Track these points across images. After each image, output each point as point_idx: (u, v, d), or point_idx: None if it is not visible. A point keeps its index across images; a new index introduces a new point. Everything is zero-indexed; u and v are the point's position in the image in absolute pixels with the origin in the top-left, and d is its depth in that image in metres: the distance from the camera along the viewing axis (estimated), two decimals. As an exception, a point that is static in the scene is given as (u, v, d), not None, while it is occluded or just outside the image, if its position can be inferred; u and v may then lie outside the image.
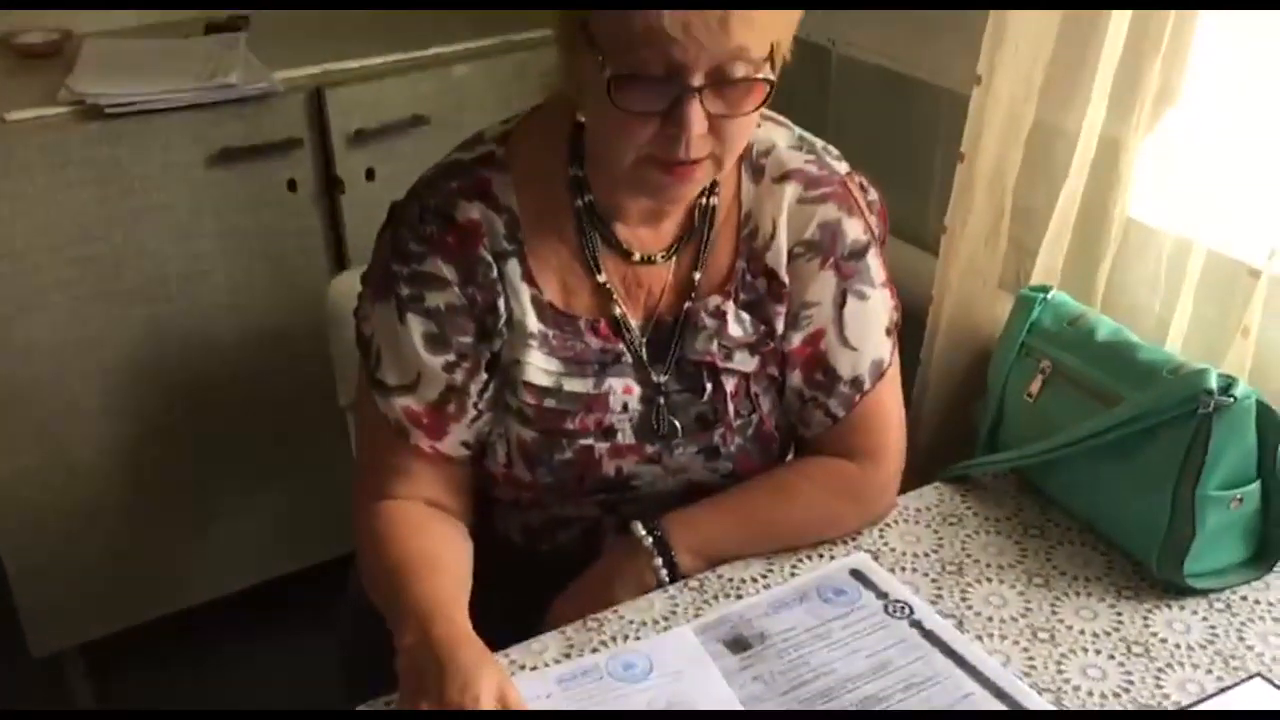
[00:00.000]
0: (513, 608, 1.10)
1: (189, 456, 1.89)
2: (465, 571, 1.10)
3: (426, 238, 1.09)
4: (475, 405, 1.12)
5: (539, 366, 1.11)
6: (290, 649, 1.96)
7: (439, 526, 1.13)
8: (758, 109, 1.00)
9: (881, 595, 1.11)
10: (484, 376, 1.12)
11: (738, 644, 1.06)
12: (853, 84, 1.76)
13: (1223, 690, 1.01)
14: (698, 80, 0.95)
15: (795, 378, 1.16)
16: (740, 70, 0.96)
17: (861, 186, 1.18)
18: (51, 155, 1.63)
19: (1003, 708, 0.99)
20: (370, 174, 1.83)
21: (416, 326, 1.10)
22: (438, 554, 1.10)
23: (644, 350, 1.13)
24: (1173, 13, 1.22)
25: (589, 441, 1.13)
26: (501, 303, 1.10)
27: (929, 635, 1.06)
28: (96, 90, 1.65)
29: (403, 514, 1.13)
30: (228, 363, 1.84)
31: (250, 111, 1.72)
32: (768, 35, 0.96)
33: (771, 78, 0.98)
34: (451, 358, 1.10)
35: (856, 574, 1.14)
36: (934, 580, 1.14)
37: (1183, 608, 1.11)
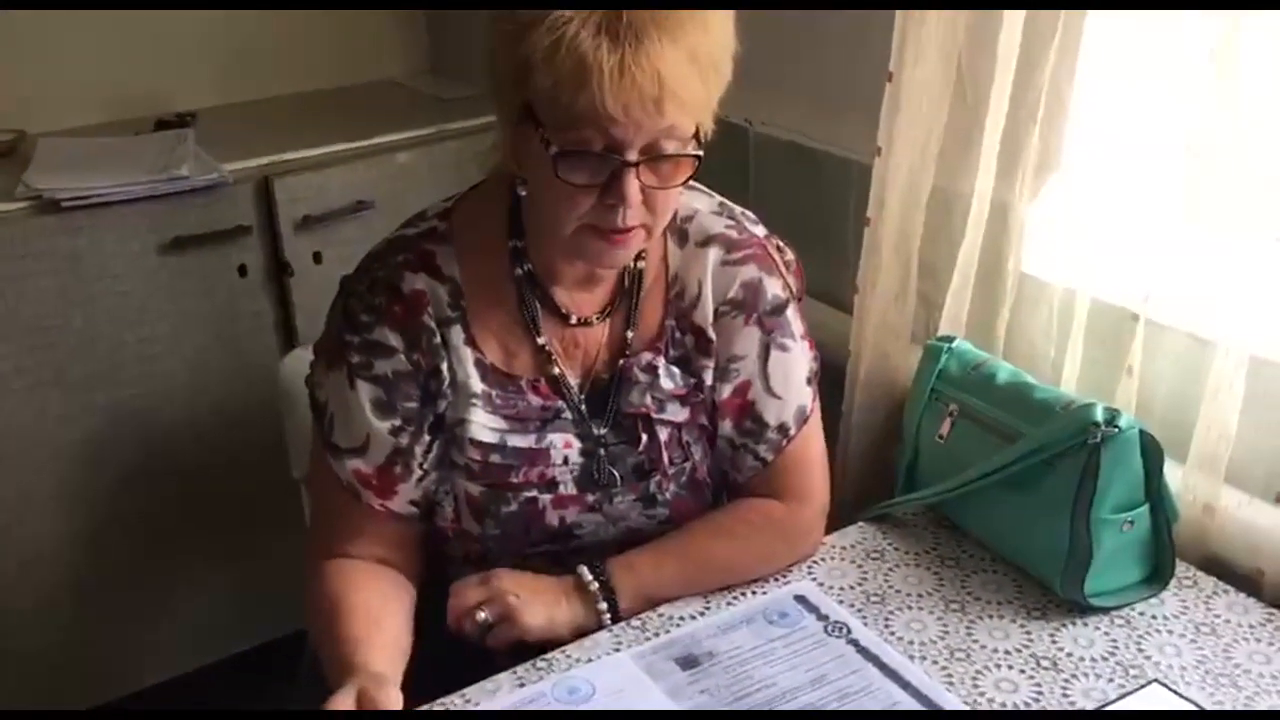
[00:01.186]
0: (467, 659, 1.16)
1: (144, 538, 1.93)
2: (403, 627, 1.17)
3: (375, 308, 1.18)
4: (420, 465, 1.20)
5: (483, 424, 1.19)
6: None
7: (383, 584, 1.20)
8: (686, 181, 1.10)
9: (822, 618, 1.20)
10: (428, 438, 1.19)
11: (688, 661, 1.15)
12: (770, 159, 1.88)
13: (1124, 695, 1.11)
14: (633, 156, 1.05)
15: (726, 426, 1.25)
16: (671, 146, 1.06)
17: (778, 248, 1.29)
18: (10, 247, 1.70)
19: (924, 712, 1.07)
20: (317, 257, 1.92)
21: (365, 392, 1.18)
22: (379, 613, 1.16)
23: (584, 406, 1.22)
24: (1046, 86, 1.35)
25: (533, 494, 1.21)
26: (445, 366, 1.18)
27: (864, 652, 1.15)
28: (53, 185, 1.73)
29: (350, 572, 1.19)
30: (182, 444, 1.90)
31: (201, 201, 1.81)
32: (694, 116, 1.06)
33: (699, 154, 1.09)
34: (397, 422, 1.18)
35: (800, 599, 1.23)
36: (859, 610, 1.23)
37: (1086, 624, 1.21)
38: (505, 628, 1.15)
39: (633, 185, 1.06)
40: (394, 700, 1.00)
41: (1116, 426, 1.19)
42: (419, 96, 2.26)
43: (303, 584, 1.87)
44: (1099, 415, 1.20)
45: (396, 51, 2.39)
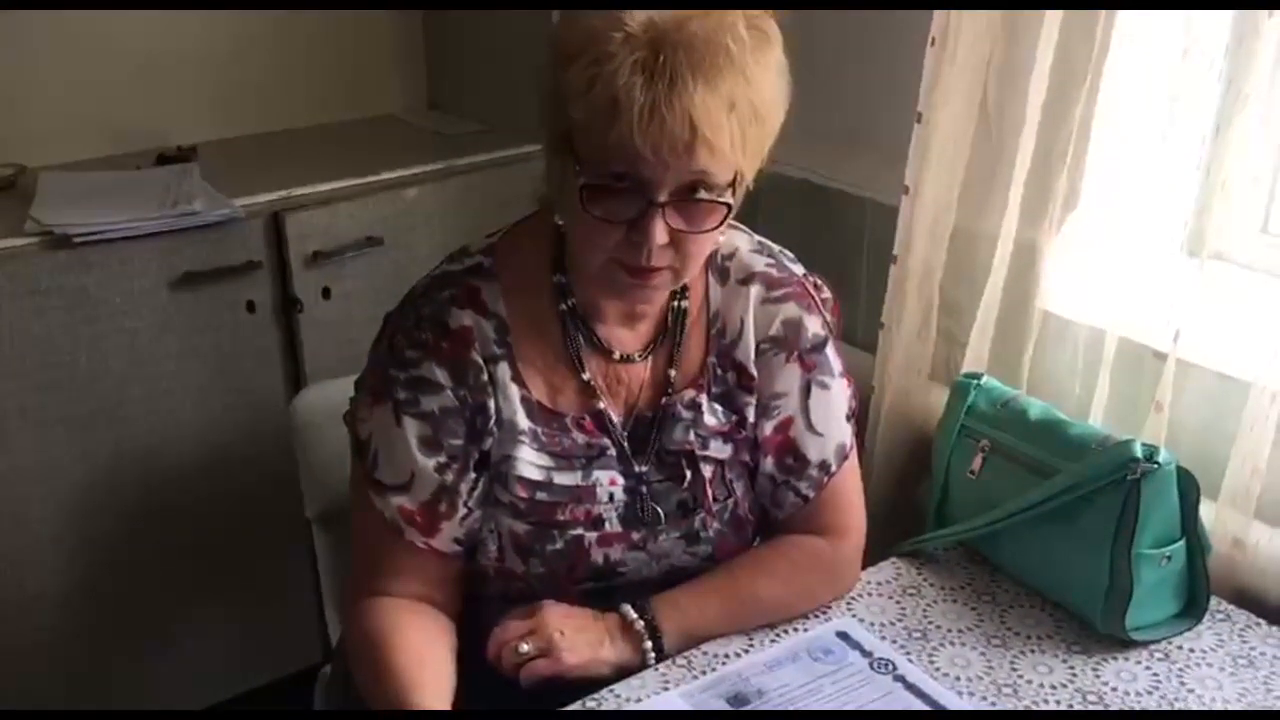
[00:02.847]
0: (501, 701, 1.15)
1: (151, 578, 1.89)
2: (449, 668, 1.16)
3: (422, 344, 1.17)
4: (465, 503, 1.19)
5: (530, 461, 1.19)
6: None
7: (427, 622, 1.18)
8: (716, 229, 1.10)
9: (866, 654, 1.21)
10: (473, 475, 1.19)
11: (738, 699, 1.14)
12: (780, 197, 1.90)
13: (1173, 729, 1.12)
14: (662, 196, 1.05)
15: (768, 463, 1.26)
16: (702, 192, 1.07)
17: (816, 285, 1.30)
18: (20, 284, 1.66)
19: (983, 753, 1.08)
20: (326, 293, 1.90)
21: (412, 429, 1.17)
22: (425, 652, 1.15)
23: (626, 443, 1.22)
24: (1076, 126, 1.38)
25: (579, 531, 1.20)
26: (491, 403, 1.18)
27: (912, 688, 1.16)
28: (63, 221, 1.70)
29: (393, 611, 1.18)
30: (188, 482, 1.87)
31: (213, 237, 1.79)
32: (730, 164, 1.07)
33: (730, 202, 1.09)
34: (443, 459, 1.17)
35: (843, 635, 1.23)
36: (902, 646, 1.23)
37: (1127, 659, 1.22)
38: (544, 663, 1.13)
39: (658, 226, 1.06)
40: None
41: (1156, 463, 1.21)
42: (421, 132, 2.25)
43: (316, 624, 1.85)
44: (1138, 451, 1.21)
45: (395, 87, 2.38)
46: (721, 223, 1.10)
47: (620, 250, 1.09)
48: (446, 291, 1.19)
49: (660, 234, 1.06)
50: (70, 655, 1.86)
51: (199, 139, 2.13)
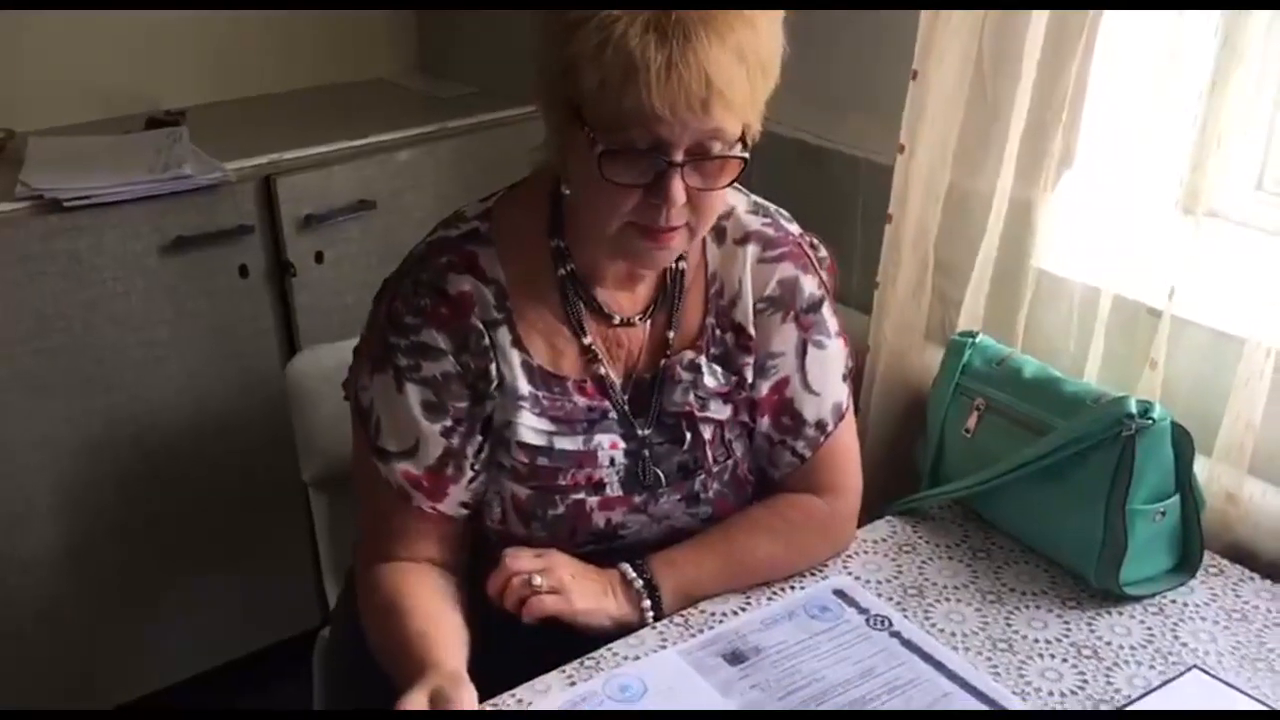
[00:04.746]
0: (509, 665, 1.14)
1: (146, 543, 1.90)
2: (463, 626, 1.16)
3: (421, 310, 1.17)
4: (472, 466, 1.19)
5: (531, 426, 1.19)
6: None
7: (438, 583, 1.19)
8: (732, 183, 1.10)
9: (863, 611, 1.21)
10: (479, 439, 1.19)
11: (735, 657, 1.15)
12: (774, 156, 1.89)
13: (1166, 682, 1.13)
14: (679, 156, 1.05)
15: (764, 423, 1.26)
16: (717, 148, 1.06)
17: (812, 245, 1.29)
18: (11, 249, 1.66)
19: (980, 705, 1.09)
20: (319, 257, 1.89)
21: (414, 395, 1.17)
22: (439, 612, 1.16)
23: (627, 406, 1.22)
24: (1071, 84, 1.38)
25: (580, 496, 1.20)
26: (493, 368, 1.17)
27: (908, 644, 1.17)
28: (53, 185, 1.69)
29: (404, 573, 1.18)
30: (184, 447, 1.87)
31: (203, 201, 1.78)
32: (741, 117, 1.07)
33: (745, 156, 1.09)
34: (448, 423, 1.17)
35: (840, 593, 1.24)
36: (898, 603, 1.24)
37: (1121, 613, 1.23)
38: (553, 600, 1.14)
39: (678, 185, 1.06)
40: (469, 699, 1.00)
41: (1150, 419, 1.21)
42: (412, 95, 2.24)
43: (314, 587, 1.86)
44: (1133, 407, 1.22)
45: (385, 50, 2.36)
46: (738, 176, 1.10)
47: (637, 213, 1.08)
48: (444, 257, 1.19)
49: (680, 193, 1.06)
50: (65, 621, 1.86)
51: (188, 103, 2.12)
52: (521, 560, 1.16)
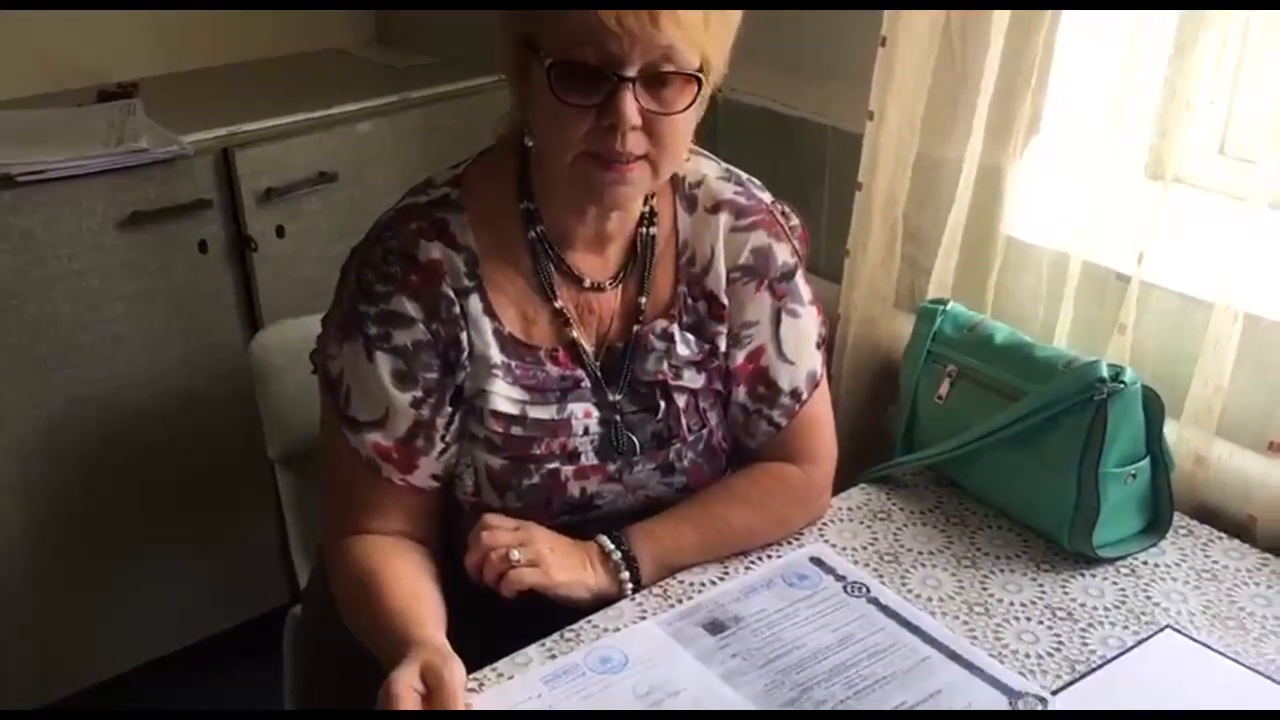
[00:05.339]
0: (487, 640, 1.13)
1: (108, 525, 1.86)
2: (439, 598, 1.15)
3: (391, 277, 1.15)
4: (443, 438, 1.18)
5: (504, 395, 1.18)
6: (232, 704, 1.96)
7: (412, 557, 1.18)
8: (689, 107, 1.09)
9: (840, 578, 1.22)
10: (449, 410, 1.18)
11: (715, 626, 1.15)
12: (740, 126, 1.89)
13: (1140, 642, 1.14)
14: (631, 72, 1.04)
15: (740, 393, 1.26)
16: (670, 67, 1.05)
17: (784, 213, 1.29)
18: (-37, 226, 1.62)
19: (957, 668, 1.10)
20: (280, 231, 1.86)
21: (385, 364, 1.15)
22: (414, 585, 1.14)
23: (599, 373, 1.21)
24: (1039, 50, 1.38)
25: (555, 465, 1.20)
26: (464, 336, 1.16)
27: (886, 610, 1.17)
28: (5, 160, 1.65)
29: (376, 547, 1.17)
30: (145, 426, 1.84)
31: (160, 175, 1.74)
32: (695, 42, 1.05)
33: (700, 75, 1.07)
34: (419, 394, 1.16)
35: (817, 561, 1.24)
36: (875, 570, 1.24)
37: (1094, 575, 1.24)
38: (532, 572, 1.13)
39: (629, 103, 1.05)
40: (459, 672, 0.99)
41: (1122, 382, 1.22)
42: (371, 65, 2.21)
43: (281, 565, 1.84)
44: (1105, 372, 1.23)
45: (343, 20, 2.32)
46: (694, 100, 1.08)
47: (593, 140, 1.07)
48: (414, 224, 1.17)
49: (632, 112, 1.05)
50: (24, 605, 1.83)
51: (139, 74, 2.07)
52: (499, 534, 1.14)
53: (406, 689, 0.98)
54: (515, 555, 1.13)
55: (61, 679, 1.90)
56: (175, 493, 1.91)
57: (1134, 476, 1.26)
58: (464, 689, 1.00)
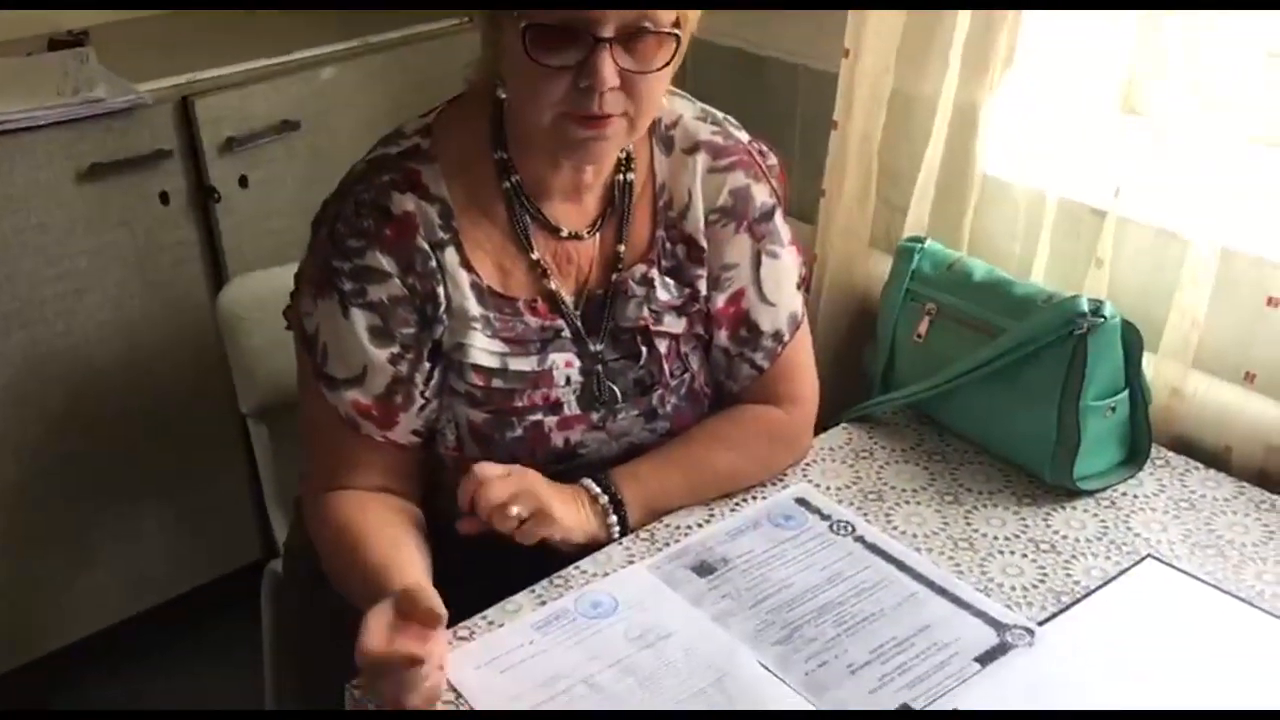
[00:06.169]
0: (475, 591, 1.12)
1: (77, 483, 1.83)
2: (424, 551, 1.14)
3: (364, 232, 1.13)
4: (422, 394, 1.16)
5: (483, 349, 1.16)
6: (207, 661, 1.95)
7: (393, 511, 1.16)
8: (666, 65, 1.07)
9: (825, 518, 1.22)
10: (428, 365, 1.16)
11: (704, 569, 1.15)
12: (710, 66, 1.86)
13: (1123, 572, 1.16)
14: (608, 33, 1.02)
15: (721, 336, 1.25)
16: (648, 27, 1.03)
17: (761, 153, 1.27)
18: (-87, 182, 1.57)
19: (944, 602, 1.11)
20: (244, 181, 1.82)
21: (361, 320, 1.13)
22: (397, 538, 1.13)
23: (579, 323, 1.20)
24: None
25: (538, 417, 1.18)
26: (441, 290, 1.14)
27: (872, 548, 1.18)
28: (-43, 111, 1.60)
29: (358, 502, 1.16)
30: (112, 383, 1.80)
31: (118, 125, 1.69)
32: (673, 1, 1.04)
33: (677, 33, 1.05)
34: (396, 349, 1.14)
35: (801, 501, 1.24)
36: (859, 508, 1.25)
37: (1075, 508, 1.25)
38: (535, 523, 1.11)
39: (606, 64, 1.03)
40: (433, 598, 0.97)
41: (1102, 316, 1.23)
42: (328, 9, 2.14)
43: (255, 520, 1.82)
44: (1085, 306, 1.23)
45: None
46: (672, 58, 1.07)
47: (570, 101, 1.05)
48: (385, 176, 1.14)
49: (610, 74, 1.03)
50: (-1, 563, 1.80)
51: (90, 22, 2.00)
52: (493, 489, 1.10)
53: (378, 628, 0.95)
54: (515, 510, 1.10)
55: (31, 640, 1.88)
56: (145, 449, 1.87)
57: (1113, 410, 1.27)
58: (440, 623, 0.97)
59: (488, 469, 1.11)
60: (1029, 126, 1.45)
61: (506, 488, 1.10)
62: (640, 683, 1.02)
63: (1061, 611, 1.11)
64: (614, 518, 1.18)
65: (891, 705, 0.99)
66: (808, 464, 1.32)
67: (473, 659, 1.04)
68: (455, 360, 1.16)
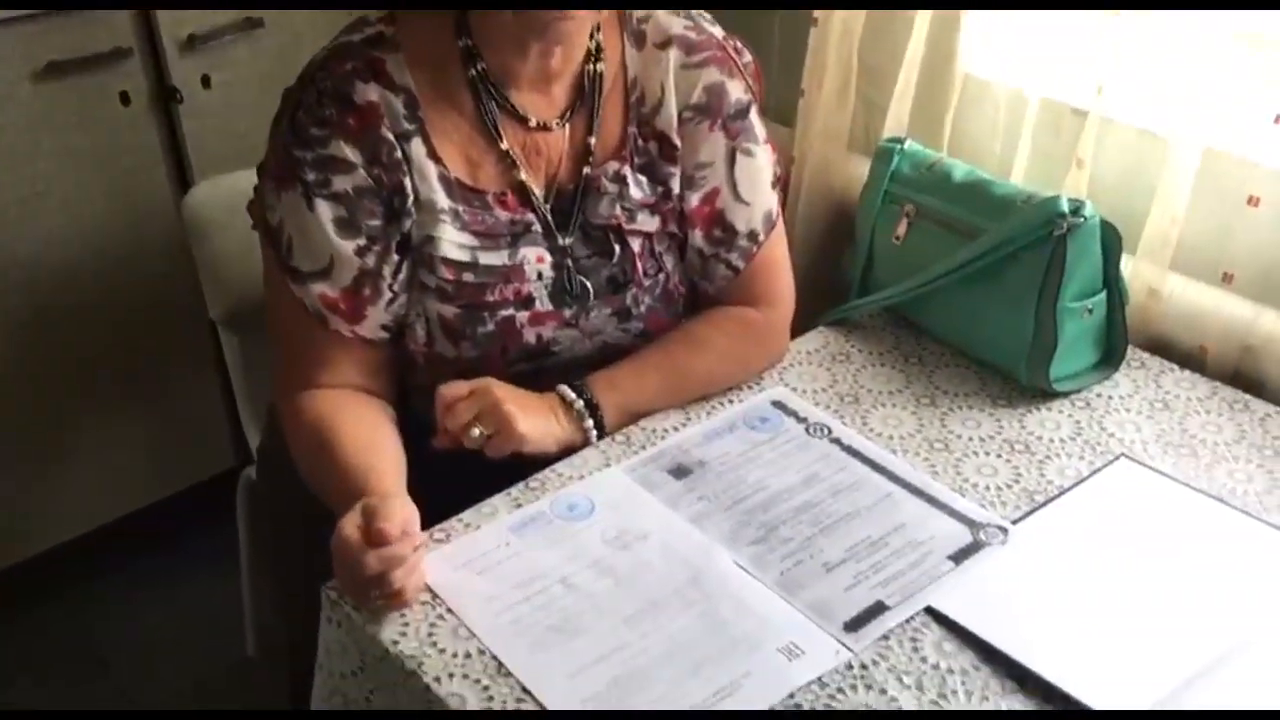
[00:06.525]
0: (452, 494, 1.11)
1: (43, 393, 1.80)
2: (399, 450, 1.13)
3: (326, 121, 1.10)
4: (390, 287, 1.14)
5: (453, 242, 1.14)
6: (187, 569, 1.95)
7: (366, 410, 1.15)
8: None
9: (801, 420, 1.22)
10: (396, 258, 1.14)
11: (680, 471, 1.15)
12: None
13: (1096, 472, 1.16)
14: None
15: (696, 236, 1.23)
16: None
17: (736, 49, 1.24)
18: None
19: (919, 502, 1.11)
20: (206, 81, 1.77)
21: (326, 211, 1.11)
22: (371, 437, 1.12)
23: (549, 216, 1.18)
24: None
25: (509, 312, 1.17)
26: (408, 182, 1.12)
27: (848, 450, 1.18)
28: (-97, 7, 1.53)
29: (330, 401, 1.14)
30: (76, 289, 1.77)
31: (74, 22, 1.63)
32: None
33: None
34: (362, 241, 1.12)
35: (778, 404, 1.24)
36: (836, 411, 1.25)
37: (1049, 409, 1.26)
38: (501, 439, 1.10)
39: None
40: (398, 509, 0.96)
41: (1082, 216, 1.22)
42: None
43: (230, 426, 1.80)
44: (1065, 206, 1.22)
45: None
46: None
47: None
48: (348, 64, 1.11)
49: None
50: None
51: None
52: (458, 413, 1.10)
53: (350, 532, 0.95)
54: (476, 432, 1.09)
55: (7, 547, 1.87)
56: (113, 357, 1.85)
57: (1090, 311, 1.26)
58: (407, 525, 0.96)
59: (449, 391, 1.10)
60: (1011, 24, 1.42)
61: (470, 408, 1.10)
62: (617, 583, 1.02)
63: (1035, 511, 1.11)
64: (590, 422, 1.17)
65: (866, 603, 1.00)
66: (784, 367, 1.31)
67: (450, 561, 1.04)
68: (425, 254, 1.14)
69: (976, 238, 1.29)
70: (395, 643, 0.96)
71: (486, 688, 0.92)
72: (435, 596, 1.00)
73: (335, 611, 1.00)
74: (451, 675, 0.93)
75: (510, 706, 0.91)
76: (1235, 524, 1.09)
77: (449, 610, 0.99)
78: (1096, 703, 0.90)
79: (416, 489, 1.08)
